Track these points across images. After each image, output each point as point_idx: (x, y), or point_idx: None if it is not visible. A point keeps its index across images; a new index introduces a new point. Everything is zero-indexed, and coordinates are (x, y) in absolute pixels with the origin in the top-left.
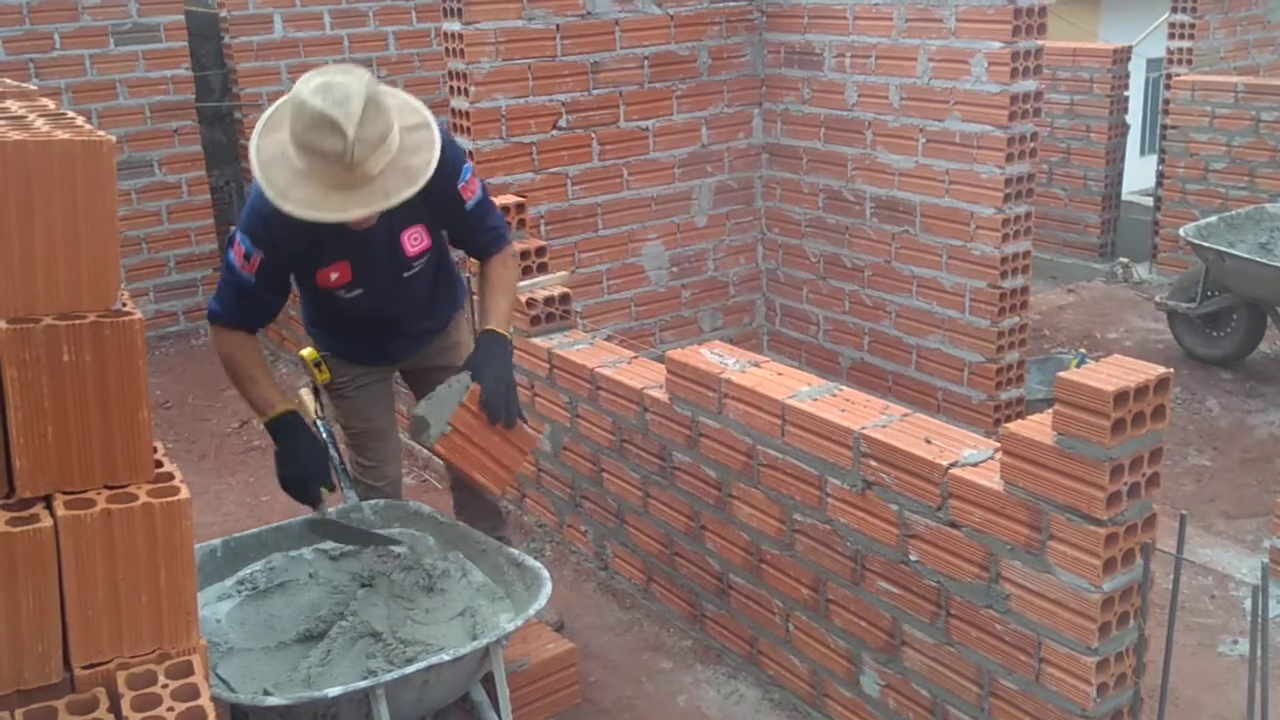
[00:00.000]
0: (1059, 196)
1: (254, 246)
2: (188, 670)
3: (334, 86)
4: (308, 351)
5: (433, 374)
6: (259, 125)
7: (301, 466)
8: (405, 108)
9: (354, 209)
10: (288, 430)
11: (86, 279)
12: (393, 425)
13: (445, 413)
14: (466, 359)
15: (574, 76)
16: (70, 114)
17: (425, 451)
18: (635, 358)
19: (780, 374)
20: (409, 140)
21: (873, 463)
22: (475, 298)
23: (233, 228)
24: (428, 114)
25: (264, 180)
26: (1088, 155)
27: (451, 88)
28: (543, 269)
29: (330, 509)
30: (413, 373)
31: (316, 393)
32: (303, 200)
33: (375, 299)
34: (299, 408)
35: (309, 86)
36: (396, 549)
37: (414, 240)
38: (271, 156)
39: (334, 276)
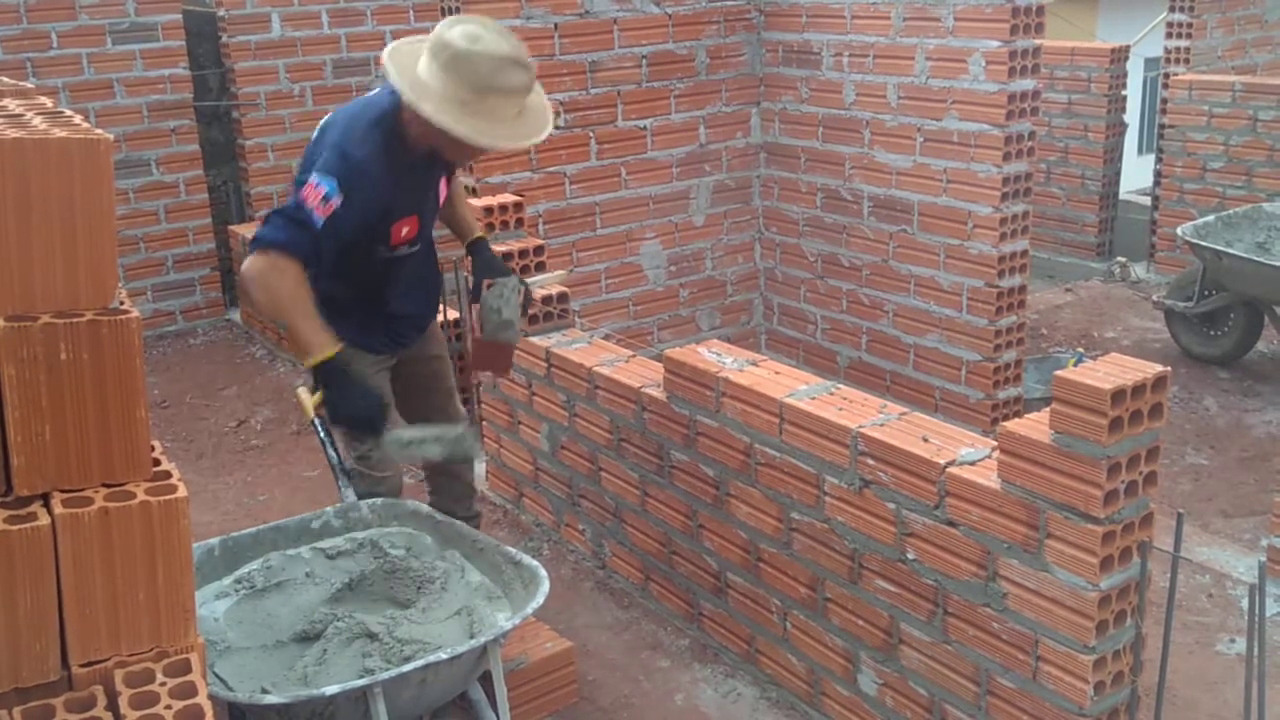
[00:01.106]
0: (1057, 196)
1: (337, 190)
2: (185, 668)
3: (486, 29)
4: None
5: (410, 365)
6: (411, 79)
7: (367, 408)
8: None
9: (538, 134)
10: (341, 370)
11: (84, 277)
12: (395, 420)
13: (518, 316)
14: (486, 264)
15: (572, 75)
16: (68, 112)
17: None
18: (633, 357)
19: (778, 373)
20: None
21: (870, 461)
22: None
23: (308, 176)
24: None
25: (453, 120)
26: (1085, 154)
27: None
28: (541, 268)
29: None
30: (397, 364)
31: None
32: (484, 131)
33: (419, 256)
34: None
35: (468, 34)
36: (393, 552)
37: (442, 190)
38: (442, 98)
39: (405, 231)
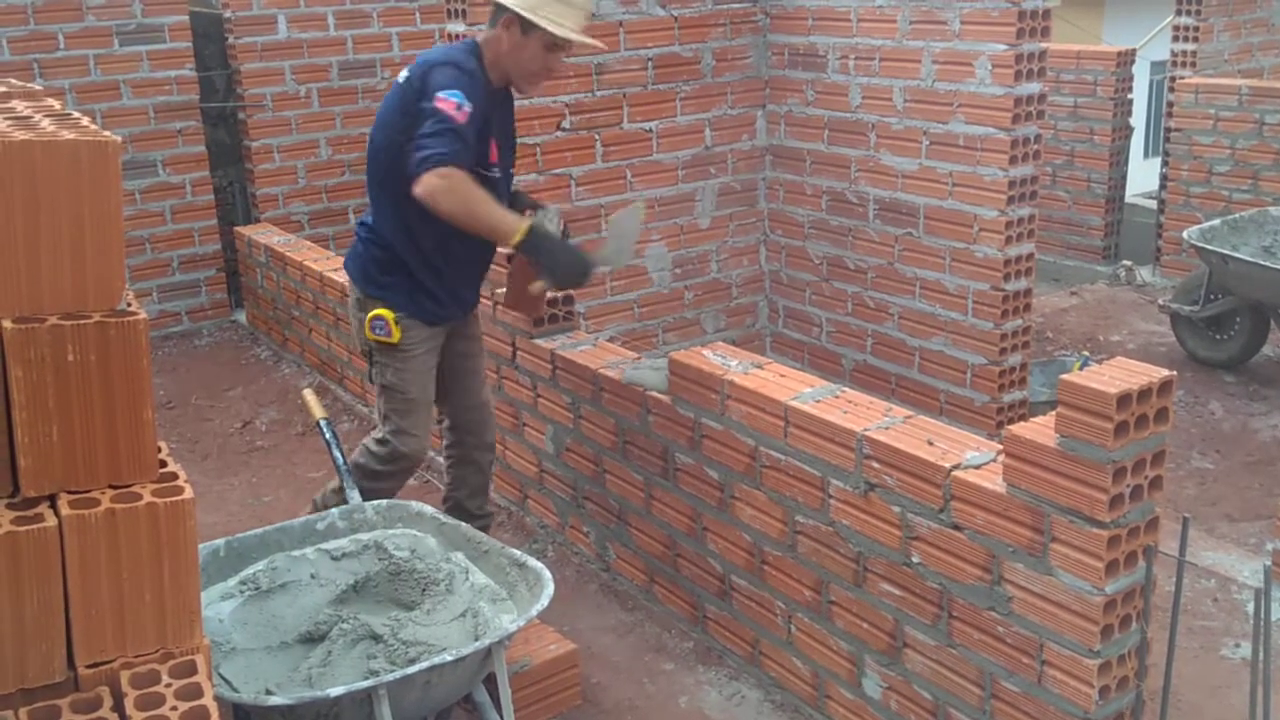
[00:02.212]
0: (1062, 199)
1: (466, 100)
2: (191, 670)
3: None
4: (385, 310)
5: (451, 342)
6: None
7: (578, 262)
8: None
9: (598, 43)
10: (542, 237)
11: (91, 279)
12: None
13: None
14: (519, 198)
15: (578, 78)
16: (75, 114)
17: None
18: (638, 359)
19: (783, 375)
20: None
21: (875, 465)
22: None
23: (440, 92)
24: None
25: (549, 22)
26: (1091, 158)
27: None
28: None
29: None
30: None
31: (373, 364)
32: (558, 25)
33: (497, 190)
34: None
35: None
36: (398, 553)
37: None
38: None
39: (492, 152)
